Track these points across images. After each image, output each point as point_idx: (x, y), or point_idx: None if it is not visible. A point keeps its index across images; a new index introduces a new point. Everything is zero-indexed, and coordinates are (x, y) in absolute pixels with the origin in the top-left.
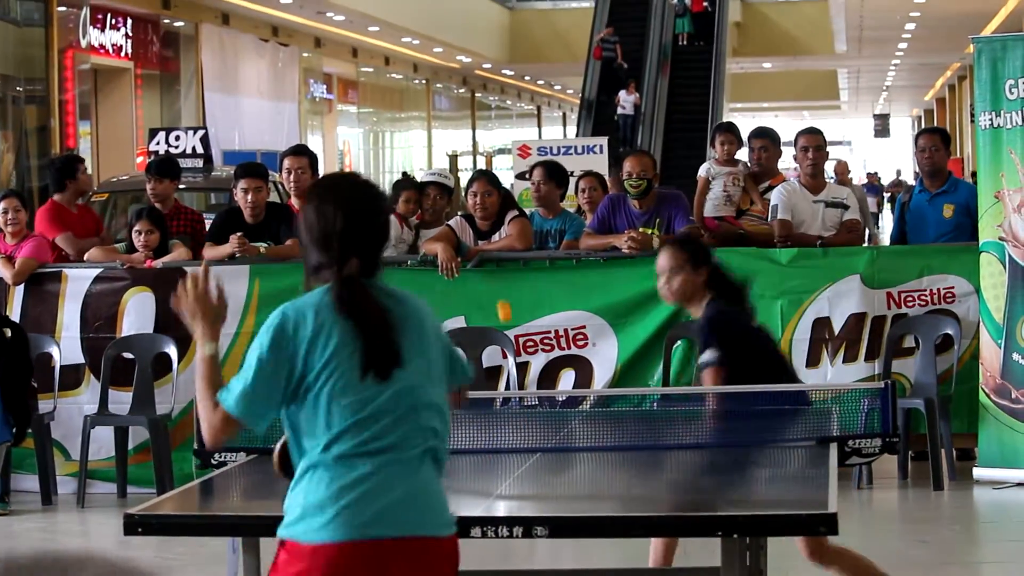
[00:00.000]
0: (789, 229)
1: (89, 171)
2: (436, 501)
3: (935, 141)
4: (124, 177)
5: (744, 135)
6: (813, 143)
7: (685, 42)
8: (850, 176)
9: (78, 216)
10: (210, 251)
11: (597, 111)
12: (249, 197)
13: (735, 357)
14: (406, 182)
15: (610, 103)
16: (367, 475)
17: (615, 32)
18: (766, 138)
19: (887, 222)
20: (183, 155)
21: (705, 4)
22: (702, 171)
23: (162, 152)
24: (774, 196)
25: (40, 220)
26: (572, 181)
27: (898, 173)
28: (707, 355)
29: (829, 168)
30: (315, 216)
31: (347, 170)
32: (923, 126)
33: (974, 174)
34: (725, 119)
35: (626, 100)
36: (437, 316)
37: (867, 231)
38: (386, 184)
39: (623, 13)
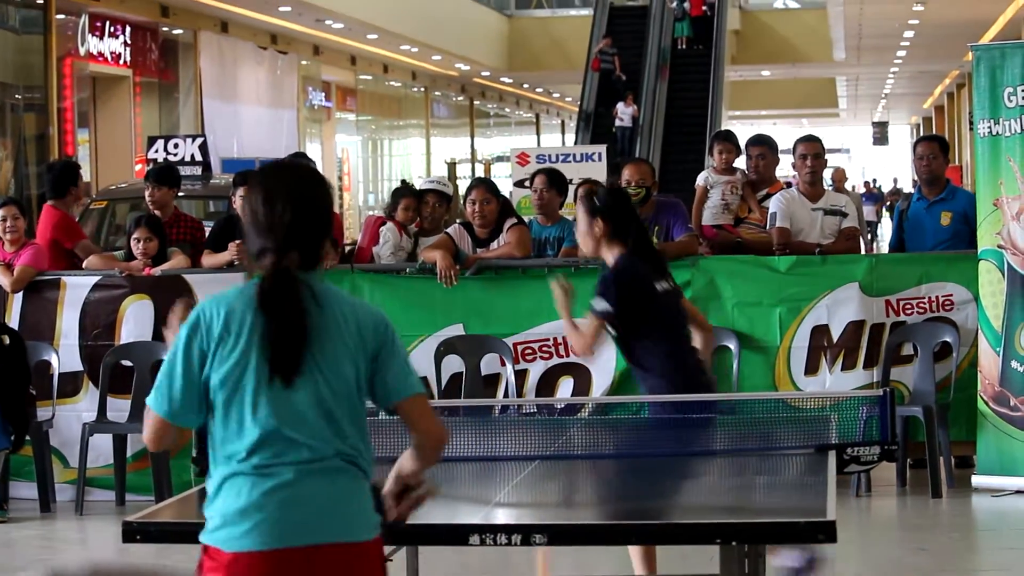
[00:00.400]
0: (787, 237)
1: (88, 179)
2: (359, 507)
3: (933, 149)
4: (123, 185)
5: (742, 143)
6: (811, 151)
7: (684, 46)
8: (852, 185)
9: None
10: (208, 259)
11: (595, 123)
12: None
13: (627, 313)
14: (405, 190)
15: (608, 115)
16: (288, 483)
17: (613, 44)
18: (764, 146)
19: (887, 230)
20: (182, 163)
21: (704, 8)
22: (700, 180)
23: (161, 160)
24: (773, 204)
25: (52, 227)
26: (572, 189)
27: (895, 181)
28: (598, 303)
29: (827, 175)
30: (261, 203)
31: (345, 169)
32: (922, 134)
33: None
34: (724, 126)
35: (624, 112)
36: (379, 322)
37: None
38: (385, 192)
39: (621, 21)
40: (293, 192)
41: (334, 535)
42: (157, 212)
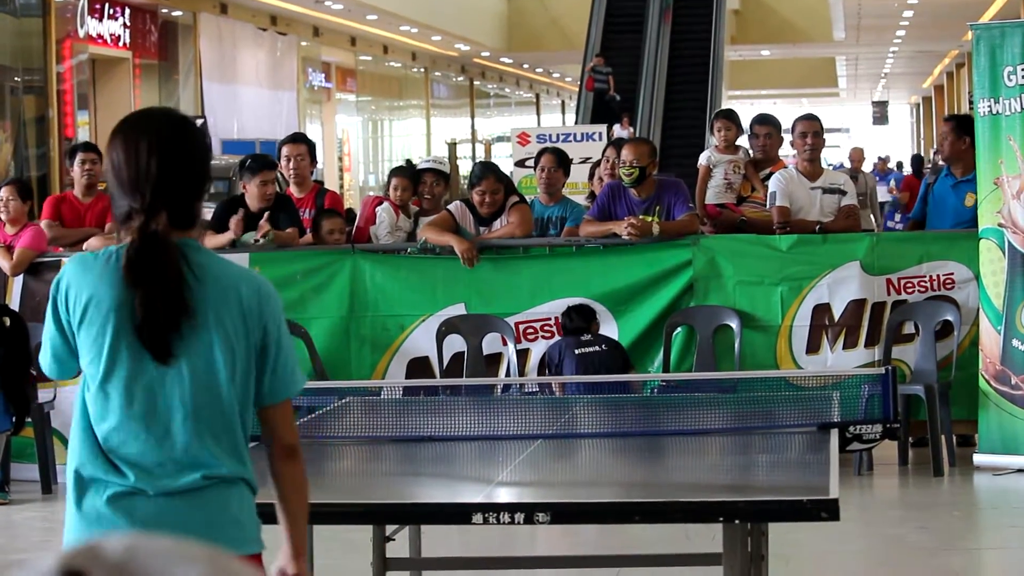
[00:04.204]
0: (787, 215)
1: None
2: None
3: (948, 129)
4: None
5: (744, 122)
6: (811, 129)
7: None
8: (880, 162)
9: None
10: (211, 240)
11: None
12: (268, 189)
13: None
14: (398, 169)
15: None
16: None
17: (607, 63)
18: (770, 125)
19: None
20: None
21: None
22: (703, 159)
23: None
24: (772, 183)
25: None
26: (586, 168)
27: (879, 159)
28: None
29: (843, 155)
30: (123, 155)
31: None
32: (921, 113)
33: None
34: (724, 105)
35: (620, 135)
36: (266, 303)
37: (872, 218)
38: (385, 172)
39: (620, 2)
40: (160, 142)
41: None
42: None
